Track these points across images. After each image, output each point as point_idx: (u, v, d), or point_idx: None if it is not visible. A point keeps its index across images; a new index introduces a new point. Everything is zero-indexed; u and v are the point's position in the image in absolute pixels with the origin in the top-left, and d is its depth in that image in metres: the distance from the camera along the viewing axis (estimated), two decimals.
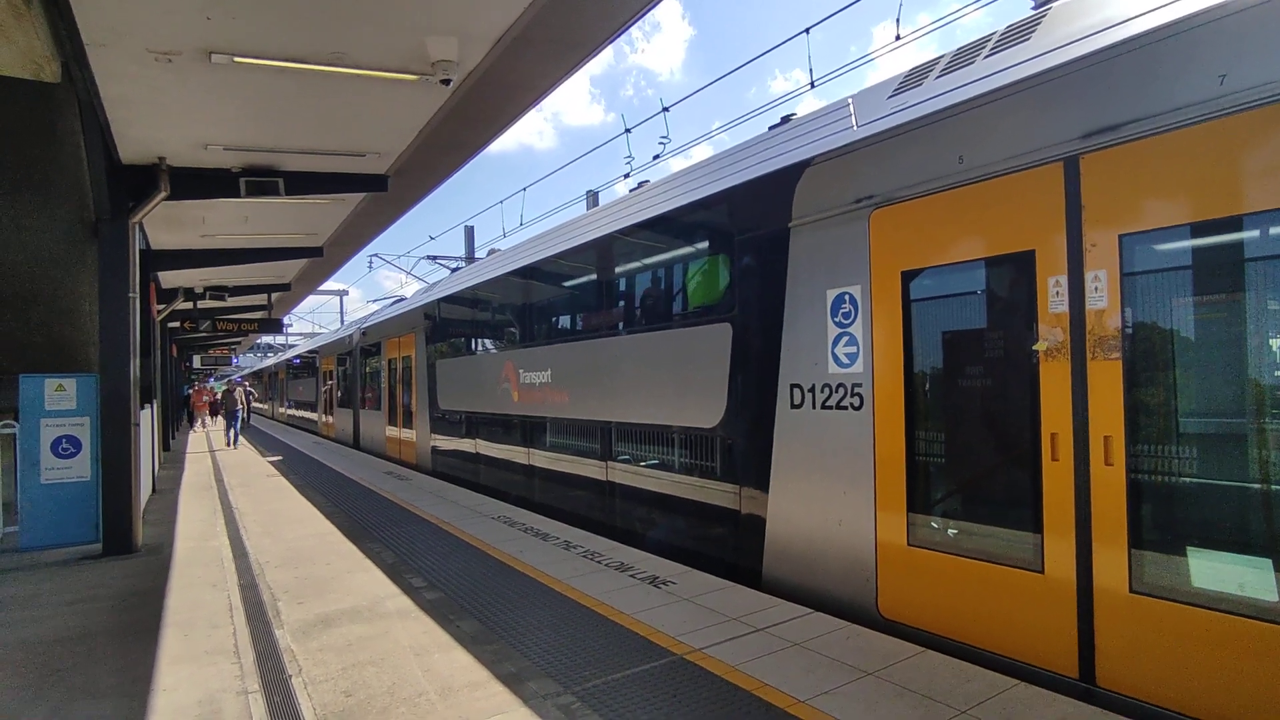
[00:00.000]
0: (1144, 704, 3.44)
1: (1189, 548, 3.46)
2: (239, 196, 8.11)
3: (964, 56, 4.73)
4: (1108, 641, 3.59)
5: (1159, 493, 3.53)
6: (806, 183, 5.39)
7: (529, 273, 9.86)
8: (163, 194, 7.60)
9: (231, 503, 10.34)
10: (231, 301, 18.16)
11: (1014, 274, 4.13)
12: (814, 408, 5.26)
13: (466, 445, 11.86)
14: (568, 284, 9.25)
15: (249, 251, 12.74)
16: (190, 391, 31.65)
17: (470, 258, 25.02)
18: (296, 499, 10.57)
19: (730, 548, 6.09)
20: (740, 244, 6.04)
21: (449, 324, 13.01)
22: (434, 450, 13.43)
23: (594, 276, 8.46)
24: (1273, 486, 3.21)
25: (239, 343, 37.78)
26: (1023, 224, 4.03)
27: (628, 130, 12.12)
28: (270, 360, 47.49)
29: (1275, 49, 3.15)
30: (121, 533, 7.34)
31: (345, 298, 43.74)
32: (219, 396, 29.99)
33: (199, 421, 30.32)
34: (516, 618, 4.95)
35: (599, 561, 6.27)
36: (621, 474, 7.70)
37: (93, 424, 7.47)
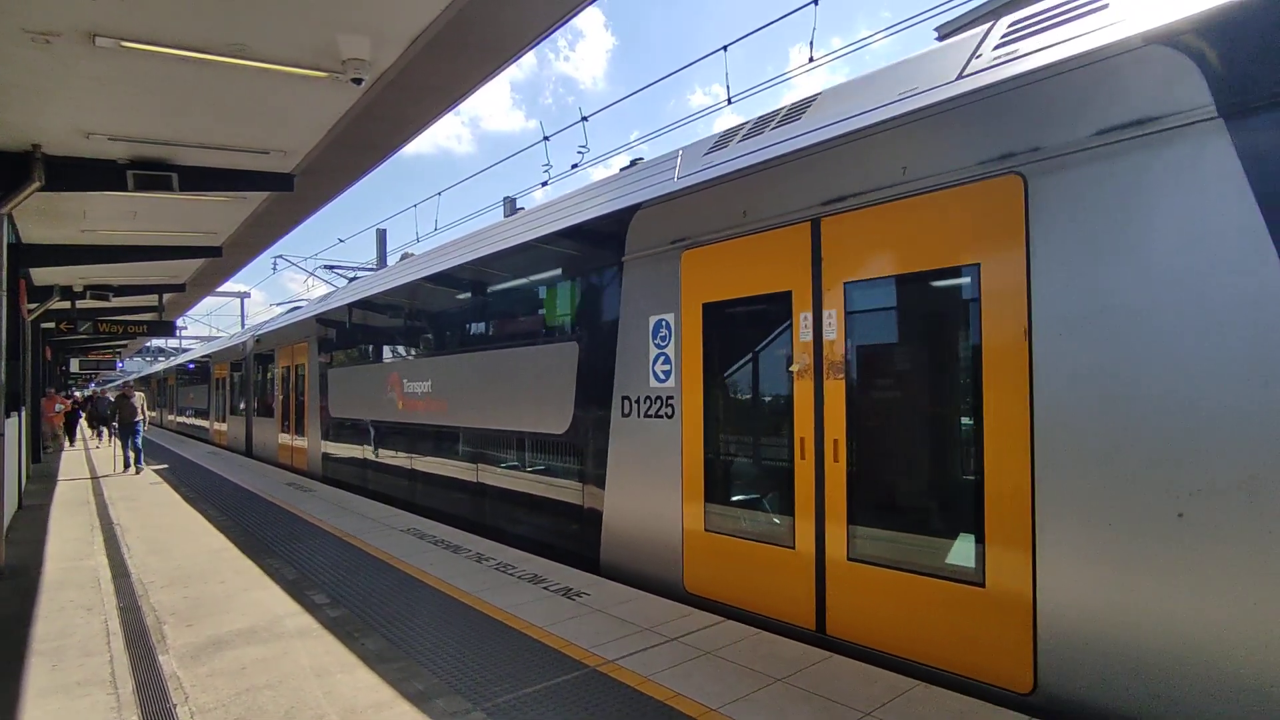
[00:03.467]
0: (857, 645, 4.45)
1: (886, 524, 4.51)
2: (126, 190, 7.56)
3: (759, 126, 5.64)
4: (833, 598, 4.61)
5: (868, 482, 4.54)
6: (637, 223, 6.24)
7: (410, 289, 10.51)
8: (36, 184, 6.99)
9: (113, 518, 9.59)
10: (116, 302, 16.84)
11: (779, 309, 5.03)
12: (639, 417, 6.10)
13: (355, 451, 12.23)
14: (443, 301, 9.88)
15: (137, 249, 11.85)
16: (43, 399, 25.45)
17: (382, 262, 24.30)
18: (187, 512, 9.91)
19: (577, 539, 6.82)
20: (585, 273, 6.91)
21: (340, 334, 13.34)
22: (324, 456, 13.58)
23: (465, 296, 9.22)
24: (959, 476, 4.20)
25: (125, 346, 35.15)
26: (785, 269, 4.97)
27: (546, 138, 12.08)
28: (160, 366, 44.66)
29: (937, 150, 4.17)
30: None
31: (247, 300, 41.56)
32: (109, 401, 25.19)
33: (64, 436, 23.33)
34: (425, 634, 4.80)
35: (511, 574, 6.17)
36: (491, 476, 8.41)
37: None
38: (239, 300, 41.08)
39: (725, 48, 10.55)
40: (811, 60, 10.13)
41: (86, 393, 35.04)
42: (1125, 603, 3.36)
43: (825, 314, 4.71)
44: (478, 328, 8.99)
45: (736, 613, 5.13)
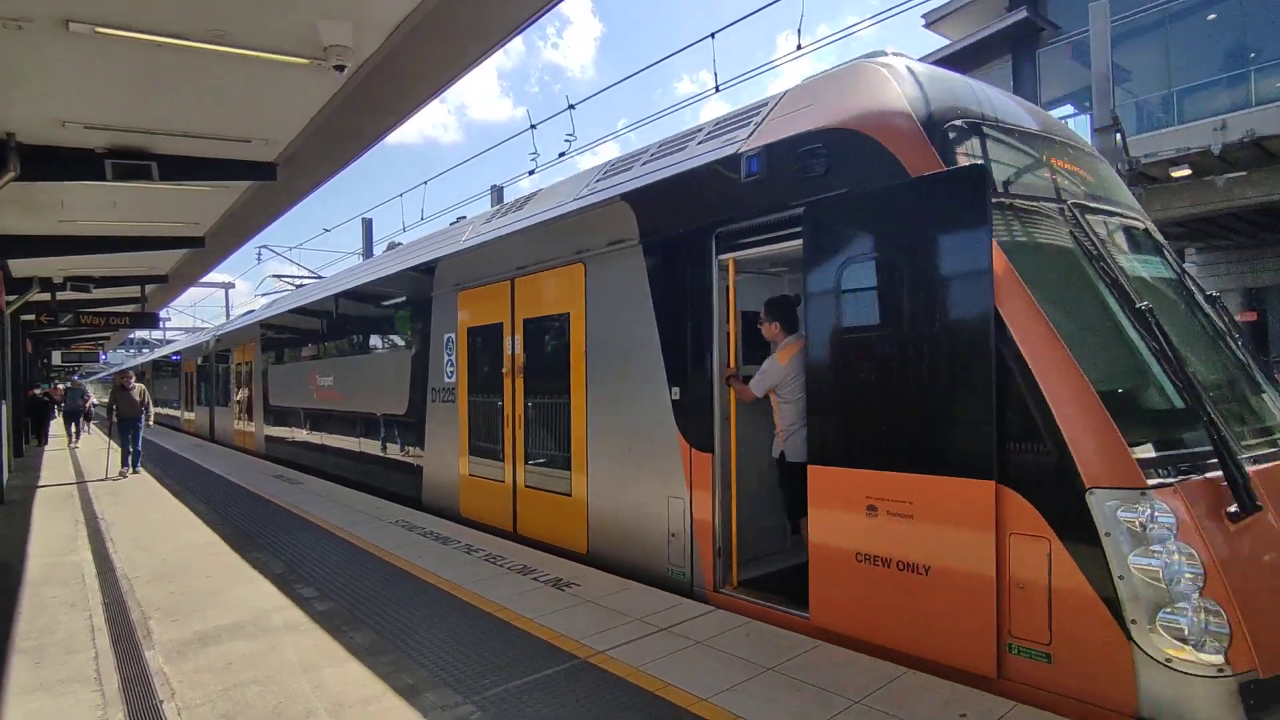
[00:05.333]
0: (530, 538, 7.00)
1: (538, 464, 7.16)
2: (104, 180, 7.42)
3: (509, 209, 8.12)
4: (520, 512, 7.34)
5: (531, 440, 7.25)
6: (439, 271, 8.88)
7: (316, 305, 13.41)
8: (11, 174, 6.85)
9: (97, 512, 9.49)
10: (98, 294, 16.59)
11: (499, 333, 7.63)
12: (440, 401, 8.78)
13: (286, 432, 15.04)
14: (335, 316, 12.68)
15: (117, 240, 11.64)
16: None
17: (368, 251, 24.09)
18: (173, 506, 9.82)
19: (411, 487, 9.50)
20: (414, 302, 9.58)
21: (276, 338, 16.03)
22: (266, 438, 16.20)
23: (349, 313, 12.09)
24: (563, 435, 6.70)
25: (107, 338, 34.74)
26: (501, 309, 7.57)
27: (533, 126, 11.98)
28: (135, 361, 44.95)
29: (555, 244, 6.81)
30: None
31: (231, 291, 41.14)
32: (81, 392, 22.56)
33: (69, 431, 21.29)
34: (414, 627, 4.78)
35: (501, 565, 6.15)
36: (366, 445, 11.14)
37: None
38: (224, 291, 40.65)
39: (712, 35, 10.47)
40: (799, 48, 10.07)
41: (70, 385, 34.27)
42: (614, 496, 6.13)
43: (515, 338, 7.36)
44: (355, 337, 11.97)
45: (482, 526, 7.68)
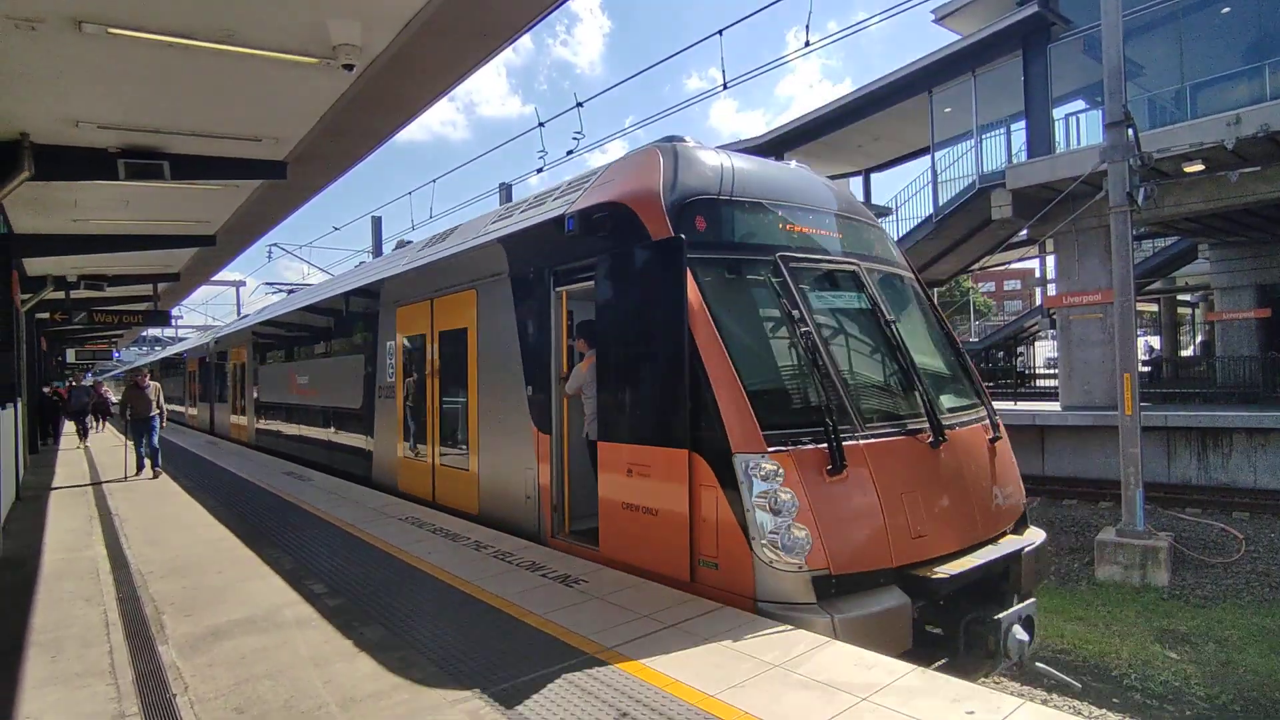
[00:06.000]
0: (445, 506, 8.49)
1: (448, 447, 8.66)
2: (117, 179, 7.48)
3: (436, 240, 9.79)
4: (437, 484, 8.82)
5: (444, 427, 8.75)
6: (384, 289, 10.46)
7: (295, 313, 15.19)
8: (25, 174, 6.91)
9: (111, 508, 9.59)
10: (111, 292, 16.73)
11: (423, 343, 9.17)
12: (384, 398, 10.34)
13: (271, 425, 16.85)
14: (307, 323, 14.46)
15: (130, 239, 11.75)
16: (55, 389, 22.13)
17: (377, 249, 24.22)
18: (185, 502, 9.91)
19: (363, 467, 11.10)
20: (366, 315, 11.20)
21: (262, 342, 17.81)
22: (256, 430, 17.96)
23: (321, 322, 13.67)
24: (464, 423, 8.28)
25: (120, 336, 35.03)
26: (424, 323, 9.03)
27: (541, 124, 12.00)
28: (142, 360, 45.78)
29: (455, 274, 8.42)
30: None
31: (242, 289, 41.37)
32: (86, 390, 22.89)
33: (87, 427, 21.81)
34: (424, 622, 4.81)
35: (509, 561, 6.18)
36: (333, 434, 12.83)
37: None
38: (235, 289, 40.91)
39: (720, 32, 10.45)
40: (808, 44, 10.04)
41: (87, 384, 34.47)
42: (495, 469, 7.60)
43: (434, 347, 8.88)
44: (324, 343, 13.51)
45: (411, 497, 9.21)
